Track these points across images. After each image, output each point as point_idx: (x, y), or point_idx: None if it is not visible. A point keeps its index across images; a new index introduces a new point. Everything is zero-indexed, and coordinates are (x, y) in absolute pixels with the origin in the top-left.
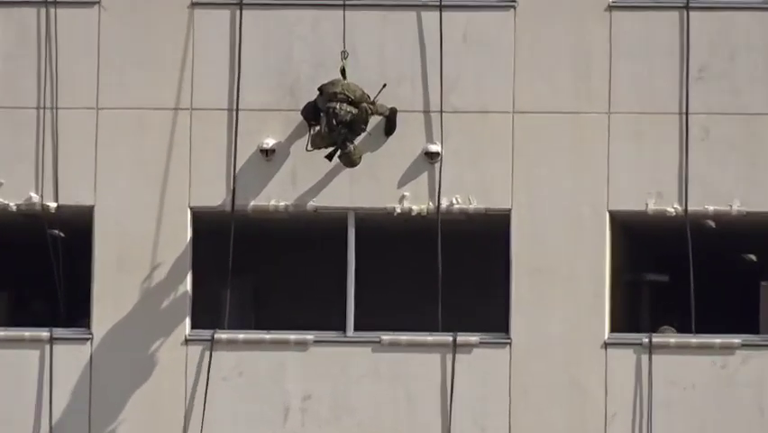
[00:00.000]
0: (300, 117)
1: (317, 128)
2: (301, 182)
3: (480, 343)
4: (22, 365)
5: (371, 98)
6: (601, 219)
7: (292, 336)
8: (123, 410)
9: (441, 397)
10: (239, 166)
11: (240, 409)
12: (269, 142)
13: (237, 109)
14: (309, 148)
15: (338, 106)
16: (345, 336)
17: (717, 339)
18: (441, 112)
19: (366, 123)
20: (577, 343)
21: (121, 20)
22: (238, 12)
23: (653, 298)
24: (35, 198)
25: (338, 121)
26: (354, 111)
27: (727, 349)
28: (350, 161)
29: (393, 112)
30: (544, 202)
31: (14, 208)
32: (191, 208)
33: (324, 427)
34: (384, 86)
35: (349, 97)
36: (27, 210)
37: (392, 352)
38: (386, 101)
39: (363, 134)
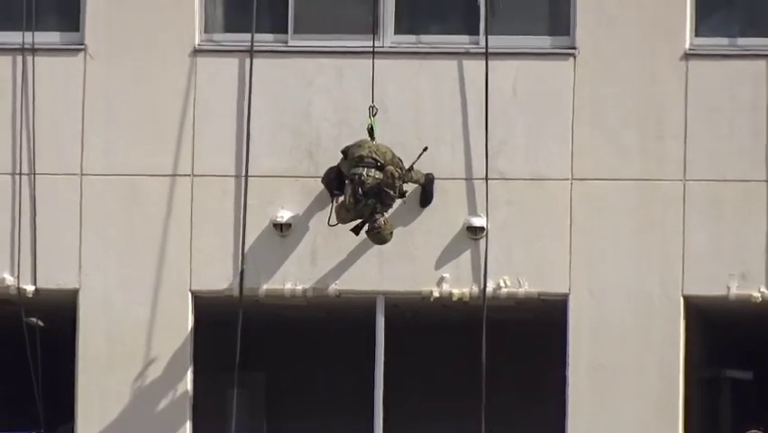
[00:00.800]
0: (321, 185)
1: (341, 198)
2: (322, 262)
3: None
4: None
5: (408, 165)
6: (675, 305)
7: None
8: None
9: None
10: (249, 243)
11: None
12: (285, 215)
13: (246, 176)
14: (332, 222)
15: (365, 173)
16: None
17: None
18: (486, 179)
19: (394, 190)
20: None
21: (110, 69)
22: (248, 60)
23: (736, 398)
24: (10, 280)
25: (365, 190)
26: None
27: None
28: (379, 237)
29: (429, 179)
30: (607, 285)
31: None
32: (192, 292)
33: None
34: (425, 149)
35: (378, 162)
36: (1, 296)
37: None
38: (421, 166)
39: (395, 205)
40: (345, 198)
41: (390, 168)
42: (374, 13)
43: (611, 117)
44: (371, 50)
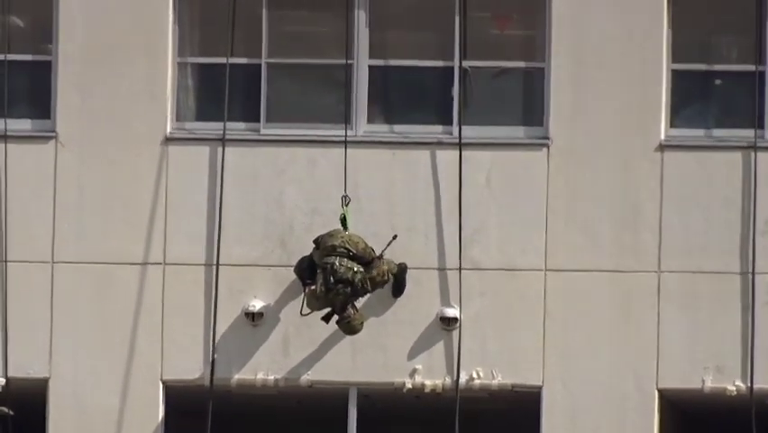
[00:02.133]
0: (293, 275)
1: (313, 287)
2: (294, 352)
3: None
4: None
5: (378, 252)
6: (649, 399)
7: None
8: None
9: None
10: (220, 332)
11: None
12: (257, 305)
13: (218, 264)
14: (304, 312)
15: (337, 262)
16: None
17: None
18: (459, 269)
19: (376, 287)
20: None
21: (81, 157)
22: (220, 148)
23: None
24: None
25: (337, 279)
26: (355, 267)
27: None
28: (350, 327)
29: (402, 269)
30: (581, 378)
31: None
32: (163, 382)
33: None
34: (394, 237)
35: (350, 251)
36: None
37: None
38: (394, 256)
39: (366, 296)
40: (317, 286)
41: (384, 267)
42: (347, 103)
43: (585, 208)
44: (344, 139)
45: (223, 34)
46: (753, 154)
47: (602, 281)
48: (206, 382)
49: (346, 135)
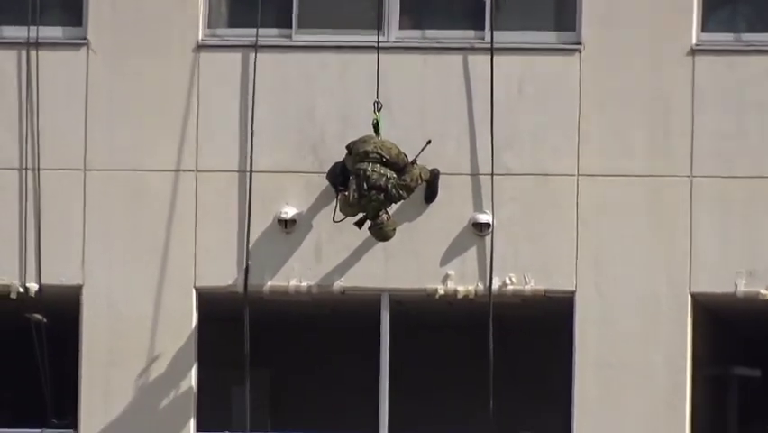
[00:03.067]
0: (325, 182)
1: (346, 193)
2: (326, 259)
3: None
4: None
5: (411, 159)
6: (682, 303)
7: None
8: None
9: None
10: (253, 239)
11: None
12: (289, 212)
13: (251, 171)
14: (337, 218)
15: (370, 168)
16: None
17: None
18: (492, 175)
19: (409, 192)
20: None
21: (113, 65)
22: (252, 55)
23: (743, 396)
24: (14, 276)
25: (370, 185)
26: (388, 173)
27: None
28: (382, 233)
29: (434, 175)
30: (614, 283)
31: None
32: (197, 289)
33: None
34: (428, 142)
35: (383, 157)
36: (2, 292)
37: None
38: (426, 161)
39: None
40: (349, 192)
41: (417, 171)
42: (378, 8)
43: (618, 113)
44: (376, 45)
45: None
46: None
47: (635, 186)
48: (240, 289)
49: (378, 41)
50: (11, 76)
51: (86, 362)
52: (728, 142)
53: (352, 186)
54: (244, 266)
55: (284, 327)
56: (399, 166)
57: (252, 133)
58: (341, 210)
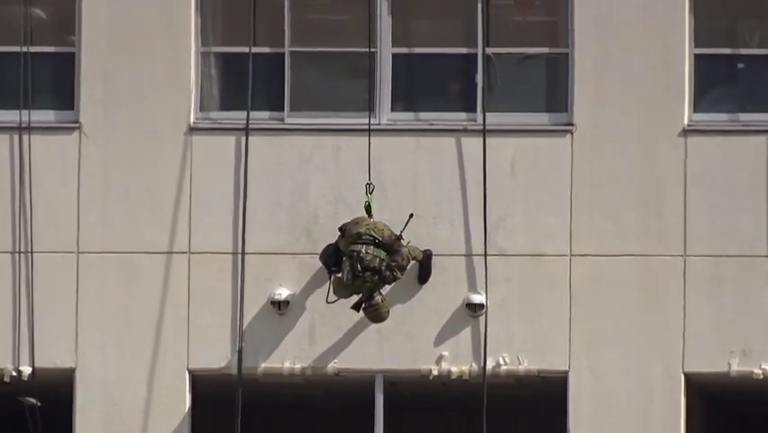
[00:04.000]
0: (318, 263)
1: (339, 275)
2: (320, 340)
3: None
4: None
5: (398, 233)
6: (676, 383)
7: None
8: None
9: None
10: (246, 321)
11: None
12: (282, 293)
13: (243, 253)
14: (330, 299)
15: (363, 250)
16: None
17: None
18: (485, 255)
19: (402, 271)
20: None
21: (105, 147)
22: (242, 138)
23: None
24: (7, 360)
25: (364, 266)
26: (382, 255)
27: None
28: (377, 315)
29: (427, 255)
30: (607, 363)
31: None
32: (190, 371)
33: None
34: (411, 216)
35: (376, 239)
36: None
37: None
38: (420, 243)
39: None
40: (343, 274)
41: (406, 250)
42: (370, 91)
43: (610, 193)
44: (368, 127)
45: (245, 23)
46: None
47: (628, 266)
48: (233, 371)
49: (369, 123)
50: (4, 159)
51: None
52: (721, 221)
53: (346, 267)
54: (238, 348)
55: (278, 410)
56: (392, 247)
57: (245, 215)
58: (335, 292)
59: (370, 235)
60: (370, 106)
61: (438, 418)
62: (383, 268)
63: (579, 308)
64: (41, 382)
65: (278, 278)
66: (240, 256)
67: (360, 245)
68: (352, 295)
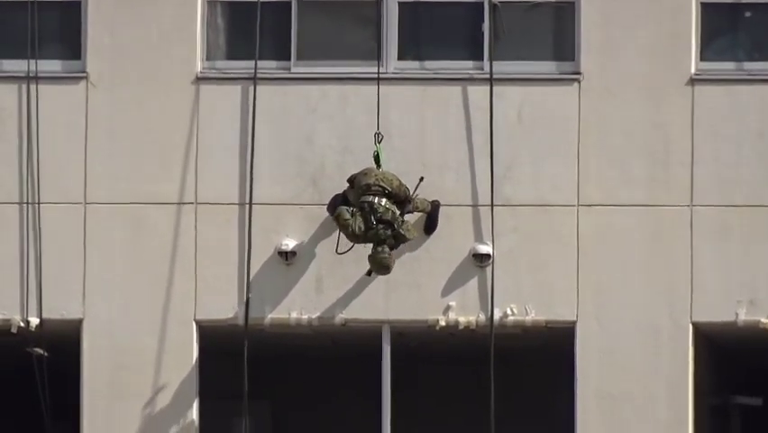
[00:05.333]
0: (325, 213)
1: (347, 219)
2: (327, 291)
3: None
4: None
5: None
6: (683, 333)
7: None
8: None
9: None
10: (253, 272)
11: None
12: (289, 244)
13: (251, 203)
14: (341, 250)
15: (376, 201)
16: None
17: None
18: (492, 206)
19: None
20: None
21: (112, 97)
22: (250, 87)
23: (745, 424)
24: (15, 311)
25: (377, 219)
26: (394, 208)
27: None
28: (381, 263)
29: (435, 206)
30: (615, 313)
31: None
32: (197, 322)
33: None
34: (421, 179)
35: (385, 189)
36: (3, 326)
37: None
38: (426, 193)
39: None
40: (354, 225)
41: (418, 204)
42: (377, 39)
43: (617, 143)
44: (375, 75)
45: None
46: None
47: (635, 216)
48: (240, 322)
49: (378, 72)
50: (10, 110)
51: (88, 395)
52: (728, 170)
53: (357, 218)
54: (245, 298)
55: (285, 359)
56: (401, 197)
57: (252, 165)
58: (348, 238)
59: (380, 186)
60: (378, 55)
61: (445, 368)
62: (396, 226)
63: (586, 258)
64: (48, 333)
65: (285, 228)
66: (247, 207)
67: (371, 196)
68: (362, 243)
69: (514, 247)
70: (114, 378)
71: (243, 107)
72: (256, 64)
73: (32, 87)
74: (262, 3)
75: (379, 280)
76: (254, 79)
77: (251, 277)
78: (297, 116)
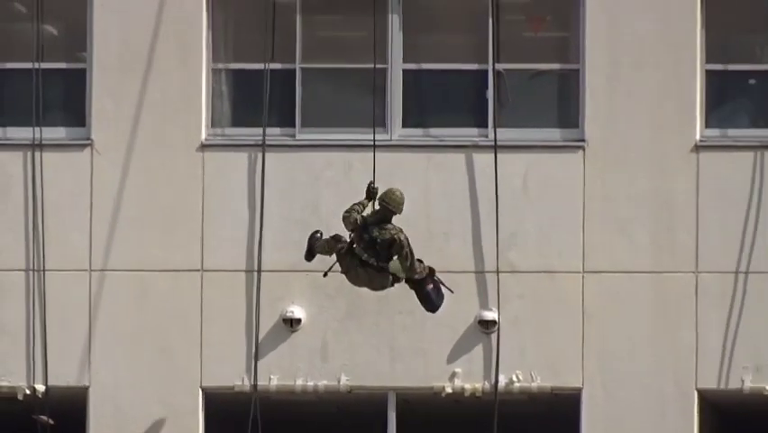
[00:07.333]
0: (331, 280)
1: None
2: (333, 358)
3: None
4: None
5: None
6: (689, 400)
7: None
8: None
9: None
10: (259, 338)
11: None
12: (295, 311)
13: (259, 271)
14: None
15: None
16: None
17: None
18: (497, 272)
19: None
20: None
21: (117, 164)
22: (255, 155)
23: None
24: (21, 378)
25: (381, 241)
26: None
27: None
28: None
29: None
30: (620, 380)
31: None
32: (203, 389)
33: None
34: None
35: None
36: (9, 394)
37: None
38: (432, 258)
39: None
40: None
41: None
42: (381, 107)
43: (622, 209)
44: (381, 142)
45: (256, 39)
46: None
47: (640, 282)
48: (246, 389)
49: (375, 136)
50: (16, 177)
51: None
52: (733, 237)
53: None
54: (253, 365)
55: (291, 427)
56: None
57: (261, 231)
58: (344, 223)
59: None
60: (374, 122)
61: None
62: (398, 238)
63: (591, 324)
64: (54, 401)
65: (290, 295)
66: (253, 274)
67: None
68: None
69: (519, 314)
70: None
71: (249, 174)
72: (264, 131)
73: (38, 154)
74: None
75: (385, 346)
76: (263, 146)
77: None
78: (301, 183)
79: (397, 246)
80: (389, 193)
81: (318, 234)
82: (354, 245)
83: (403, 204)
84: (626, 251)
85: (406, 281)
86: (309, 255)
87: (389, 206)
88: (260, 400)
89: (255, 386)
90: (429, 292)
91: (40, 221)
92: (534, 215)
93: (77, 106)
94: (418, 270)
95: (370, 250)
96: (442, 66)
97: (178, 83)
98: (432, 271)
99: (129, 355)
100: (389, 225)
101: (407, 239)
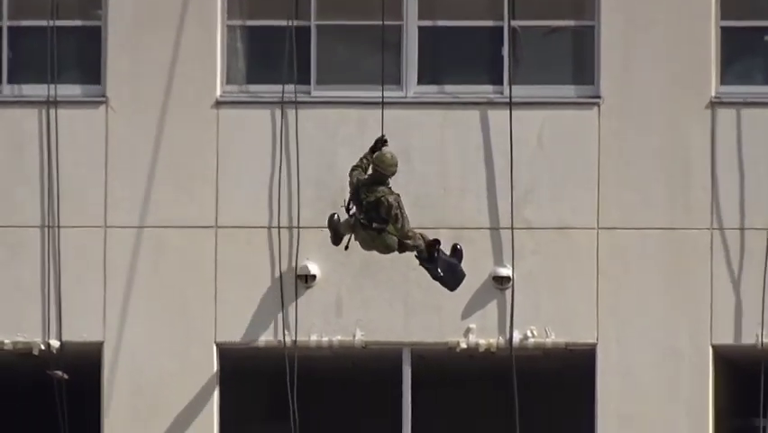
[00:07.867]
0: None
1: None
2: (347, 313)
3: None
4: None
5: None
6: (703, 355)
7: None
8: None
9: None
10: (274, 294)
11: None
12: (310, 267)
13: (279, 227)
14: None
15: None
16: None
17: None
18: (512, 228)
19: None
20: None
21: (132, 121)
22: (270, 112)
23: None
24: (36, 334)
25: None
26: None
27: None
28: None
29: (430, 244)
30: (635, 335)
31: (10, 346)
32: (217, 344)
33: None
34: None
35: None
36: (24, 349)
37: None
38: (446, 217)
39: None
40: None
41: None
42: (395, 64)
43: (637, 166)
44: (396, 99)
45: None
46: None
47: (655, 239)
48: (260, 344)
49: (383, 93)
50: (31, 134)
51: (108, 418)
52: (748, 193)
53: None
54: (278, 320)
55: (306, 382)
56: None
57: (280, 188)
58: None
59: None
60: (382, 78)
61: (466, 391)
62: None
63: (606, 280)
64: (69, 356)
65: (306, 252)
66: (272, 230)
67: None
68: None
69: (534, 270)
70: (134, 401)
71: (263, 130)
72: (284, 87)
73: (52, 111)
74: (281, 27)
75: (399, 302)
76: (282, 103)
77: (272, 300)
78: (316, 140)
79: (385, 208)
80: (380, 155)
81: (336, 217)
82: (352, 208)
83: (394, 166)
84: (640, 207)
85: (420, 264)
86: (336, 239)
87: (379, 168)
88: (274, 355)
89: (285, 342)
90: (441, 276)
91: (55, 178)
92: (549, 171)
93: (92, 64)
94: (410, 234)
95: (368, 213)
96: (457, 23)
97: (194, 40)
98: (435, 242)
99: (144, 311)
100: (381, 188)
101: (398, 201)
